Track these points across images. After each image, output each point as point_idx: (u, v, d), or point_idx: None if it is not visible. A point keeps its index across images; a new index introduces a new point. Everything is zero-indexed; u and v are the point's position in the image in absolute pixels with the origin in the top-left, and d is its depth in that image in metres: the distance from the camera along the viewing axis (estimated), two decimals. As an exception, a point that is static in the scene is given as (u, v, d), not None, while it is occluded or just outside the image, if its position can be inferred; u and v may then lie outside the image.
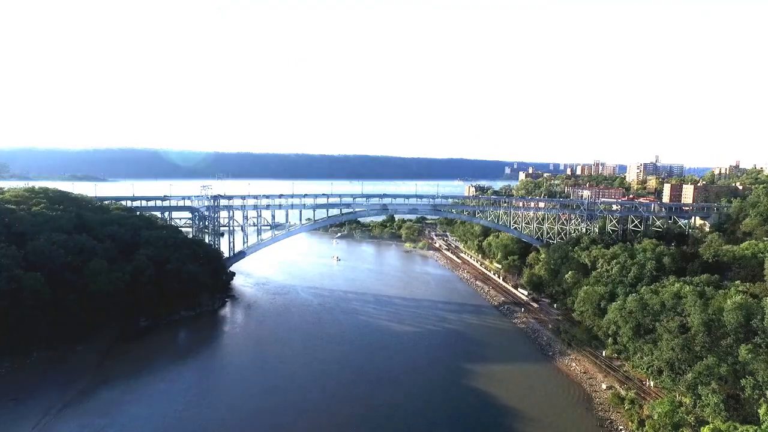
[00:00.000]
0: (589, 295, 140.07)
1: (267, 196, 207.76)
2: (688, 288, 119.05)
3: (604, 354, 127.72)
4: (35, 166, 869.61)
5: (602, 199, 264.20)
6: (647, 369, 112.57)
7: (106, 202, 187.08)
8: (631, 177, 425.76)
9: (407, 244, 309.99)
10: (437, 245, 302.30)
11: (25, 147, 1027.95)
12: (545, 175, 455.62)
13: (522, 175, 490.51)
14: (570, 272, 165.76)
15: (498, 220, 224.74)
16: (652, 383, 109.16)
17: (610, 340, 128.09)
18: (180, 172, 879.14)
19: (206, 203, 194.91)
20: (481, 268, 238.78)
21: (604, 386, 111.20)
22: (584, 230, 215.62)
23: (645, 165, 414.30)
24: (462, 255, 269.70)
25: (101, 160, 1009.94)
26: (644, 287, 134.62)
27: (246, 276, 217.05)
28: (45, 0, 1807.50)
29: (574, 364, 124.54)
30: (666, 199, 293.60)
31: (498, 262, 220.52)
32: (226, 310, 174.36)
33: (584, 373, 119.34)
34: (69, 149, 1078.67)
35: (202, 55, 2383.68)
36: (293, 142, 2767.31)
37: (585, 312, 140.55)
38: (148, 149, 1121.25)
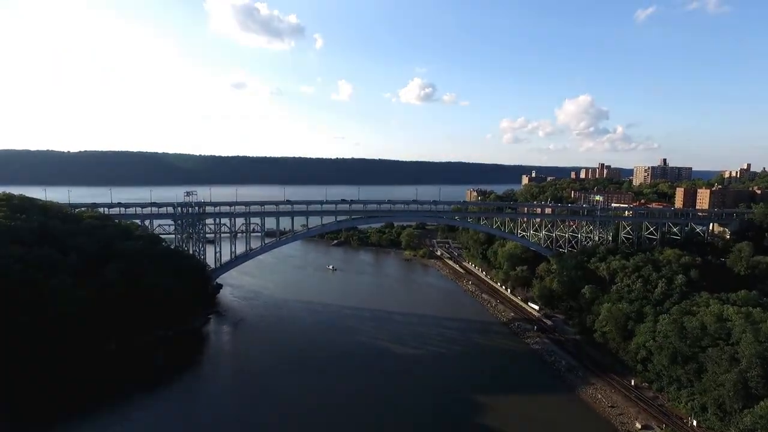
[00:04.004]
0: (613, 314, 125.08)
1: (256, 203, 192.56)
2: (731, 309, 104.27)
3: (632, 383, 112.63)
4: (27, 170, 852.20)
5: (614, 205, 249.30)
6: (687, 403, 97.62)
7: (81, 209, 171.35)
8: (638, 180, 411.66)
9: (407, 252, 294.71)
10: (438, 253, 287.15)
11: (19, 150, 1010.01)
12: (549, 179, 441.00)
13: (525, 179, 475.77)
14: (587, 287, 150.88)
15: (504, 227, 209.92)
16: (695, 422, 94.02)
17: (639, 366, 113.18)
18: (177, 177, 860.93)
19: (190, 210, 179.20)
20: (486, 278, 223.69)
21: (638, 425, 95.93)
22: (597, 238, 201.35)
23: (653, 168, 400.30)
24: (465, 264, 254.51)
25: (97, 163, 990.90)
26: (676, 306, 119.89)
27: (234, 288, 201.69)
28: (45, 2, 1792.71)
29: (599, 395, 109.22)
30: (678, 204, 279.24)
31: (505, 273, 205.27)
32: (210, 329, 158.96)
33: (612, 407, 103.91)
34: (64, 152, 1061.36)
35: (201, 57, 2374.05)
36: (292, 146, 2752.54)
37: (608, 333, 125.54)
38: (146, 152, 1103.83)
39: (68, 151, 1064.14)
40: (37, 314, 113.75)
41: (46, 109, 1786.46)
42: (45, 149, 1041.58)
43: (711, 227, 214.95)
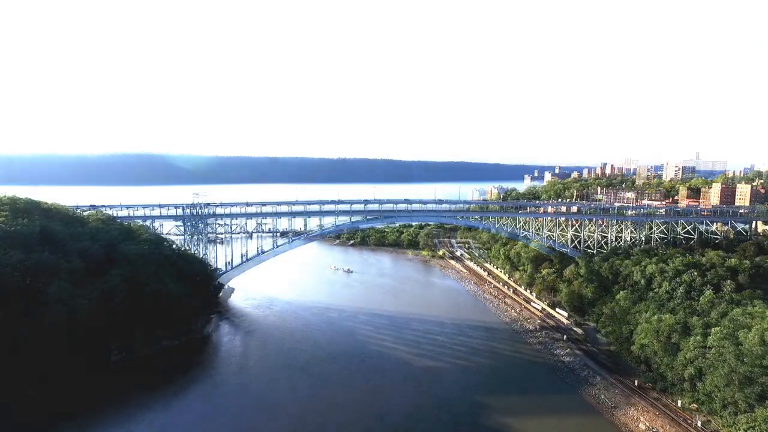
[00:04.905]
0: (654, 325, 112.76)
1: (268, 204, 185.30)
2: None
3: (679, 404, 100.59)
4: (47, 173, 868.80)
5: (646, 202, 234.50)
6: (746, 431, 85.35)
7: (85, 212, 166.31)
8: (668, 177, 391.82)
9: (425, 252, 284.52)
10: (458, 254, 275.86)
11: (43, 153, 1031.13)
12: (574, 175, 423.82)
13: (548, 176, 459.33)
14: (622, 293, 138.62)
15: (528, 227, 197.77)
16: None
17: (686, 384, 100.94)
18: (184, 177, 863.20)
19: (197, 212, 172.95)
20: (509, 281, 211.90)
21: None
22: (628, 238, 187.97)
23: (684, 164, 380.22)
24: (486, 265, 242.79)
25: (108, 165, 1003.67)
26: (727, 317, 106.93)
27: (245, 291, 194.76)
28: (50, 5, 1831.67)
29: (642, 418, 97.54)
30: (715, 201, 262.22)
31: (529, 276, 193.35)
32: (219, 335, 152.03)
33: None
34: (87, 155, 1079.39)
35: (205, 58, 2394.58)
36: (296, 146, 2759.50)
37: (648, 346, 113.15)
38: (153, 154, 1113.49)
39: (90, 154, 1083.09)
40: (35, 323, 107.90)
41: (68, 113, 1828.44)
42: (70, 153, 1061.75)
43: (754, 225, 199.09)
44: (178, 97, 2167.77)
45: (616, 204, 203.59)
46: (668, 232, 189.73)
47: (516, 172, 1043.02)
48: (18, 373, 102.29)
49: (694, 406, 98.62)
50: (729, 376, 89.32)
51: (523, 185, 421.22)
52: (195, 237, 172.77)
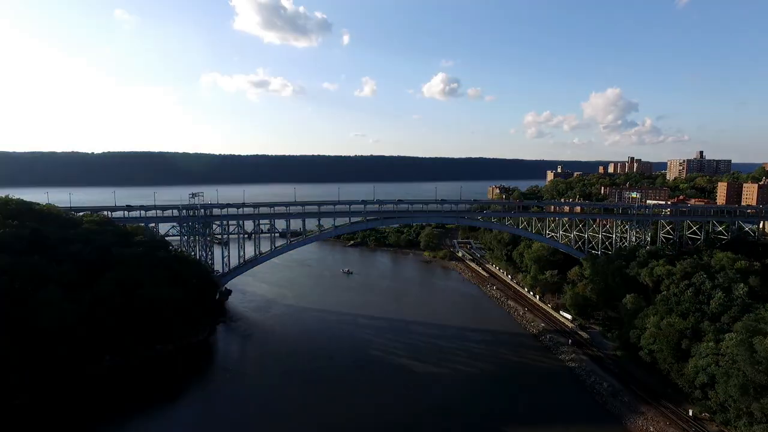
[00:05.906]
0: (664, 330, 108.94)
1: (265, 205, 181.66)
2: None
3: (690, 413, 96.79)
4: (53, 172, 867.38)
5: (651, 202, 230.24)
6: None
7: (80, 213, 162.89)
8: (672, 175, 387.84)
9: (426, 253, 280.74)
10: (460, 254, 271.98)
11: (46, 152, 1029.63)
12: (576, 174, 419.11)
13: (550, 175, 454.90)
14: (629, 296, 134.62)
15: (530, 227, 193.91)
16: (774, 468, 78.18)
17: (697, 392, 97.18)
18: (197, 177, 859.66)
19: (195, 213, 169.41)
20: (512, 283, 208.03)
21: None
22: (633, 238, 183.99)
23: (689, 161, 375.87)
24: (489, 267, 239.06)
25: (120, 164, 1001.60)
26: (740, 322, 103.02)
27: (244, 294, 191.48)
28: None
29: (651, 428, 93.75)
30: (721, 200, 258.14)
31: (533, 278, 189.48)
32: (216, 340, 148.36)
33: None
34: (88, 153, 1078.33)
35: (214, 54, 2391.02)
36: (310, 145, 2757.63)
37: (658, 352, 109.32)
38: (167, 153, 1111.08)
39: (92, 153, 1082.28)
40: (22, 331, 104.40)
41: (70, 112, 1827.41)
42: (70, 151, 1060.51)
43: (762, 225, 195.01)
44: (198, 95, 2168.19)
45: (620, 203, 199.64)
46: (674, 232, 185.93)
47: (538, 168, 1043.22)
48: (4, 381, 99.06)
49: (706, 415, 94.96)
50: (744, 384, 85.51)
51: (546, 183, 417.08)
52: (192, 239, 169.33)
